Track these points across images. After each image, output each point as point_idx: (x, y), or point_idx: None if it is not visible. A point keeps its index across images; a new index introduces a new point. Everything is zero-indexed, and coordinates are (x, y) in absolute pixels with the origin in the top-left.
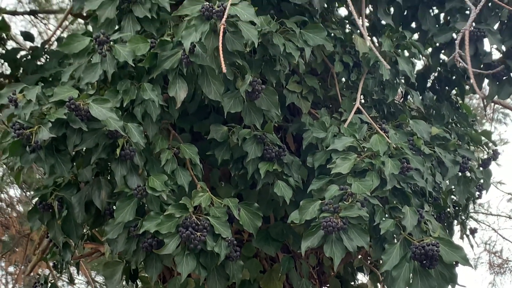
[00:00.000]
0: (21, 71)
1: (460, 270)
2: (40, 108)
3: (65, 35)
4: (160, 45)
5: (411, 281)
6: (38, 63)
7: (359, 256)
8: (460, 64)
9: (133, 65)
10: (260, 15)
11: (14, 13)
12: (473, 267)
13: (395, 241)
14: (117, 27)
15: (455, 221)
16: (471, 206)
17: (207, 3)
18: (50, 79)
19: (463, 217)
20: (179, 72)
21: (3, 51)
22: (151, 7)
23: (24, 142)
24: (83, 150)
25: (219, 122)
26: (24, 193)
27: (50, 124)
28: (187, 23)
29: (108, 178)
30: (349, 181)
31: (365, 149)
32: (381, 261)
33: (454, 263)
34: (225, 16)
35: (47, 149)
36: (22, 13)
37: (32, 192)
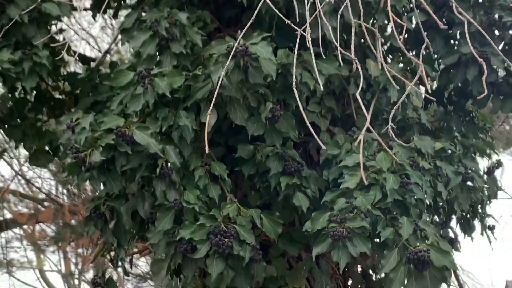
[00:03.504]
0: (79, 90)
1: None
2: (93, 134)
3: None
4: (193, 77)
5: (406, 282)
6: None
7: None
8: None
9: (170, 96)
10: (281, 48)
11: None
12: (458, 269)
13: (394, 247)
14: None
15: (476, 219)
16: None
17: (232, 42)
18: (104, 100)
19: (482, 215)
20: (209, 101)
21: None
22: (185, 44)
23: (80, 163)
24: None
25: (247, 138)
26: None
27: (101, 148)
28: (215, 60)
29: (151, 191)
30: (355, 195)
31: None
32: (380, 265)
33: (444, 266)
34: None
35: (99, 169)
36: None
37: None
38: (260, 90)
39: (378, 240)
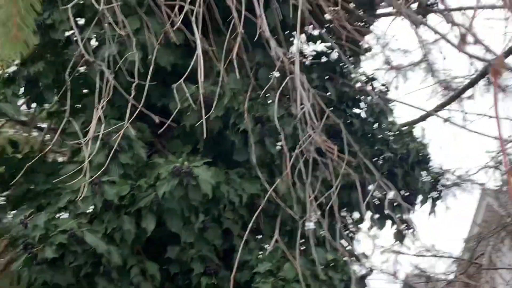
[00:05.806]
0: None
1: None
2: (47, 232)
3: None
4: (137, 187)
5: None
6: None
7: None
8: None
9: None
10: (213, 166)
11: None
12: None
13: None
14: None
15: None
16: None
17: (178, 164)
18: (41, 191)
19: None
20: (150, 209)
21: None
22: (132, 156)
23: (33, 258)
24: None
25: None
26: None
27: (54, 246)
28: (161, 175)
29: (88, 281)
30: None
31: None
32: None
33: None
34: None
35: (48, 264)
36: None
37: None
38: (194, 204)
39: None
